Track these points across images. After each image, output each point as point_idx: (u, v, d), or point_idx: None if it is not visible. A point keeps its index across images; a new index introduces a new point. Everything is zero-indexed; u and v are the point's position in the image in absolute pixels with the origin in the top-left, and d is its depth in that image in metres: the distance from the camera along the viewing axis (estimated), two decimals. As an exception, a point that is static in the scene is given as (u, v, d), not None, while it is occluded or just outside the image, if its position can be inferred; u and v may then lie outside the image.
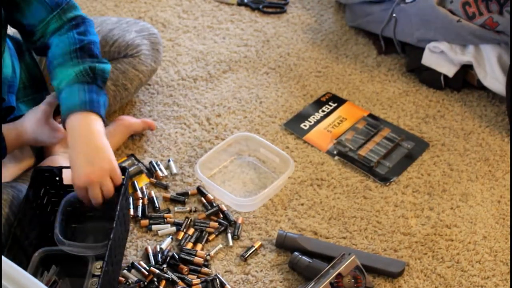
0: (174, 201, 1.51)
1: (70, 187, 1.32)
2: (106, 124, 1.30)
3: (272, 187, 1.49)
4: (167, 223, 1.45)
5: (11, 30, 1.34)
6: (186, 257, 1.37)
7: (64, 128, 1.25)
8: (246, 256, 1.39)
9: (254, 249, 1.40)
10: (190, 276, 1.35)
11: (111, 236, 1.20)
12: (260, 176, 1.58)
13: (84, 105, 1.24)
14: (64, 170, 1.32)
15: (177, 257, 1.37)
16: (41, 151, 1.51)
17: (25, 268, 1.16)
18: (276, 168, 1.59)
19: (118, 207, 1.23)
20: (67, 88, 1.27)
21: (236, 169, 1.60)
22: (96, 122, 1.24)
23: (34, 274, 1.19)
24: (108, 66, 1.33)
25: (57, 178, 1.33)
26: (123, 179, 1.30)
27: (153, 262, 1.37)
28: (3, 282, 0.97)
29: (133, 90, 1.66)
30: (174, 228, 1.44)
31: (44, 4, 1.32)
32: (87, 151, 1.22)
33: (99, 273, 1.20)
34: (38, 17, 1.33)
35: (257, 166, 1.60)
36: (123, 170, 1.30)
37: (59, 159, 1.46)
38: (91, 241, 1.30)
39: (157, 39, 1.71)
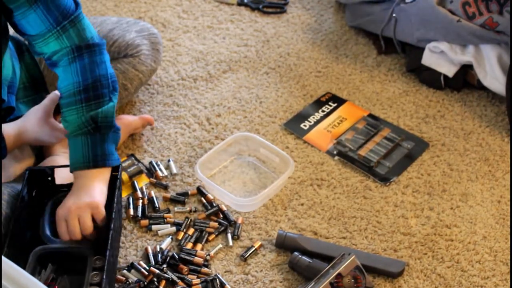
0: (174, 201, 1.51)
1: (62, 187, 1.34)
2: None
3: (272, 187, 1.49)
4: (167, 223, 1.45)
5: (11, 30, 1.33)
6: (186, 257, 1.37)
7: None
8: (246, 256, 1.39)
9: (254, 249, 1.40)
10: (190, 276, 1.35)
11: (111, 226, 1.23)
12: (260, 176, 1.58)
13: (88, 163, 1.29)
14: (56, 170, 1.33)
15: (177, 257, 1.37)
16: (41, 151, 1.52)
17: (23, 267, 1.16)
18: (276, 168, 1.59)
19: (115, 200, 1.28)
20: (73, 140, 1.30)
21: (236, 169, 1.60)
22: (98, 175, 1.29)
23: (32, 273, 1.19)
24: (111, 105, 1.32)
25: (49, 178, 1.34)
26: (116, 174, 1.32)
27: (153, 262, 1.37)
28: (3, 282, 0.97)
29: (133, 90, 1.66)
30: (174, 228, 1.44)
31: (42, 16, 1.27)
32: (79, 192, 1.28)
33: (99, 266, 1.21)
34: (36, 30, 1.29)
35: (257, 166, 1.60)
36: (117, 166, 1.33)
37: (59, 159, 1.46)
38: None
39: (157, 39, 1.70)
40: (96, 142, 1.30)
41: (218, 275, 1.35)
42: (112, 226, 1.24)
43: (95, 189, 1.28)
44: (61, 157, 1.47)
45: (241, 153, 1.63)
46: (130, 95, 1.67)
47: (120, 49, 1.61)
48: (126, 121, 1.62)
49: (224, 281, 1.34)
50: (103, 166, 1.29)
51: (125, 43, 1.62)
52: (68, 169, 1.33)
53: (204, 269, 1.36)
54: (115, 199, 1.28)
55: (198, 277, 1.35)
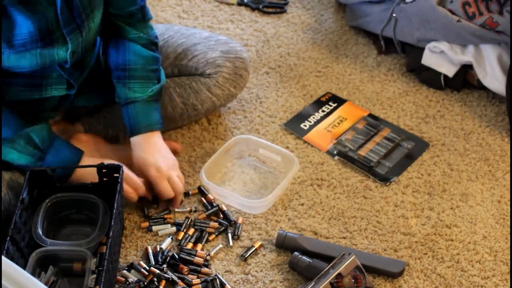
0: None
1: (62, 187, 1.33)
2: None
3: (280, 187, 1.49)
4: (167, 223, 1.45)
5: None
6: (186, 257, 1.37)
7: (131, 134, 1.46)
8: (246, 256, 1.39)
9: (254, 249, 1.40)
10: (190, 276, 1.35)
11: (110, 234, 1.21)
12: (264, 176, 1.58)
13: (158, 125, 1.46)
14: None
15: (177, 257, 1.37)
16: None
17: (23, 269, 1.16)
18: (278, 168, 1.59)
19: (115, 204, 1.26)
20: (145, 105, 1.45)
21: (239, 172, 1.59)
22: (160, 137, 1.47)
23: (32, 275, 1.19)
24: (164, 78, 1.51)
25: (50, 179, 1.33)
26: (118, 176, 1.31)
27: (153, 262, 1.37)
28: (3, 282, 0.97)
29: (204, 111, 1.61)
30: (174, 228, 1.44)
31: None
32: (159, 151, 1.45)
33: (97, 270, 1.21)
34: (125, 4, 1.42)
35: (260, 167, 1.60)
36: (118, 167, 1.32)
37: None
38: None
39: (244, 64, 1.62)
40: (158, 108, 1.48)
41: (218, 275, 1.35)
42: (112, 230, 1.22)
43: (167, 149, 1.47)
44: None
45: (242, 154, 1.62)
46: (199, 115, 1.63)
47: (198, 65, 1.57)
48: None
49: (224, 281, 1.34)
50: (161, 129, 1.47)
51: (205, 61, 1.57)
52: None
53: (204, 269, 1.36)
54: (115, 203, 1.26)
55: (198, 277, 1.35)
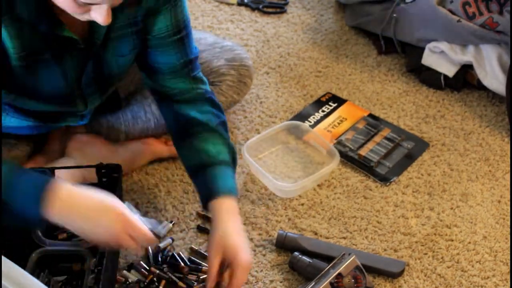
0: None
1: None
2: None
3: (313, 177, 1.51)
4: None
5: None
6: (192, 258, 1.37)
7: (206, 202, 1.24)
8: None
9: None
10: (190, 276, 1.34)
11: None
12: (305, 166, 1.60)
13: (235, 192, 1.25)
14: (56, 171, 1.33)
15: (177, 257, 1.37)
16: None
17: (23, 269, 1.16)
18: (321, 160, 1.61)
19: None
20: (222, 168, 1.26)
21: (280, 156, 1.63)
22: (236, 206, 1.25)
23: (32, 275, 1.19)
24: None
25: None
26: (117, 176, 1.31)
27: (152, 262, 1.37)
28: (3, 282, 0.97)
29: None
30: (170, 225, 1.44)
31: (176, 50, 1.29)
32: (238, 225, 1.22)
33: (97, 269, 1.21)
34: (168, 60, 1.30)
35: (303, 156, 1.62)
36: (118, 167, 1.32)
37: (72, 161, 1.46)
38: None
39: (248, 72, 1.61)
40: (234, 177, 1.29)
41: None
42: None
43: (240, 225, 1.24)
44: (73, 160, 1.46)
45: (289, 140, 1.65)
46: None
47: (203, 73, 1.53)
48: (153, 149, 1.55)
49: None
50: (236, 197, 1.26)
51: (209, 69, 1.56)
52: (67, 171, 1.33)
53: (205, 269, 1.36)
54: None
55: (198, 277, 1.34)
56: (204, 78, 1.37)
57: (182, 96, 1.33)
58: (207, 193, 1.25)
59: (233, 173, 1.29)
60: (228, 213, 1.22)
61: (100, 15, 1.03)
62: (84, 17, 1.05)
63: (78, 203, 1.04)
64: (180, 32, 1.28)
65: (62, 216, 1.03)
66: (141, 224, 1.10)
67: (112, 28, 1.15)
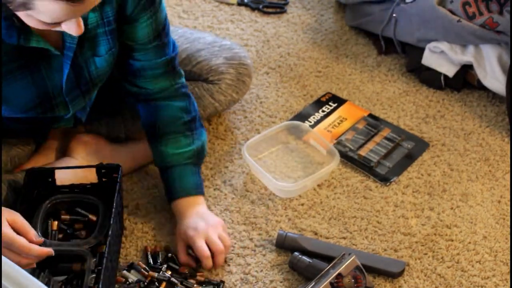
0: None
1: (62, 188, 1.33)
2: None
3: (313, 177, 1.51)
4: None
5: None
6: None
7: (169, 199, 1.41)
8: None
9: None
10: (190, 279, 1.34)
11: (109, 233, 1.22)
12: (305, 166, 1.60)
13: (196, 191, 1.40)
14: (57, 171, 1.33)
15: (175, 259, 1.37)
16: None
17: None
18: (321, 160, 1.60)
19: (114, 204, 1.26)
20: (180, 168, 1.40)
21: (280, 156, 1.62)
22: (201, 203, 1.40)
23: (32, 275, 1.19)
24: (205, 136, 1.45)
25: (50, 179, 1.33)
26: (117, 176, 1.31)
27: (151, 262, 1.36)
28: (3, 282, 0.97)
29: (206, 116, 1.60)
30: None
31: (157, 52, 1.34)
32: (202, 215, 1.38)
33: (97, 269, 1.21)
34: (150, 62, 1.35)
35: (303, 156, 1.62)
36: (117, 167, 1.32)
37: (74, 161, 1.46)
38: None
39: (247, 70, 1.61)
40: (199, 173, 1.42)
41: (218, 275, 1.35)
42: (111, 229, 1.23)
43: (209, 213, 1.40)
44: (76, 160, 1.46)
45: (289, 140, 1.66)
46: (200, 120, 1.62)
47: (201, 71, 1.56)
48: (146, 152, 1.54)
49: (224, 281, 1.34)
50: (202, 194, 1.42)
51: (208, 68, 1.56)
52: (68, 171, 1.33)
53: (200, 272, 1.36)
54: (115, 203, 1.26)
55: (196, 280, 1.34)
56: (181, 71, 1.43)
57: (161, 94, 1.39)
58: (168, 194, 1.41)
59: (196, 168, 1.41)
60: (184, 212, 1.38)
61: (71, 28, 1.04)
62: (56, 29, 1.06)
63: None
64: (160, 35, 1.32)
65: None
66: (22, 238, 1.11)
67: (85, 29, 1.13)
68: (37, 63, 1.19)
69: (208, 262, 1.32)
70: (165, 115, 1.40)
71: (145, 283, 1.32)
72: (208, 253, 1.32)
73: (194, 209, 1.38)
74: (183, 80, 1.43)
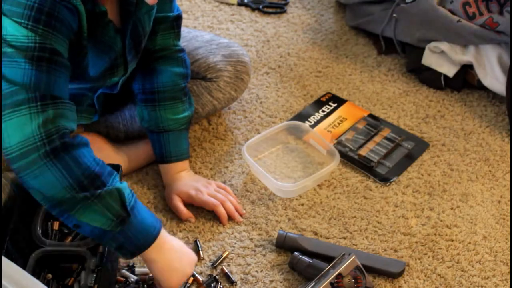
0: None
1: None
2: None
3: (313, 177, 1.51)
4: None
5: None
6: None
7: (161, 162, 1.49)
8: (216, 264, 1.37)
9: (223, 258, 1.38)
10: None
11: None
12: (305, 166, 1.60)
13: (187, 155, 1.50)
14: None
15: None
16: None
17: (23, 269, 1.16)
18: (321, 160, 1.61)
19: None
20: (176, 134, 1.46)
21: (281, 156, 1.62)
22: (188, 166, 1.51)
23: (32, 275, 1.19)
24: (193, 100, 1.53)
25: None
26: (116, 176, 1.31)
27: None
28: (3, 282, 0.97)
29: (204, 114, 1.61)
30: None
31: (170, 6, 1.42)
32: (193, 177, 1.50)
33: (97, 269, 1.21)
34: (164, 16, 1.41)
35: (303, 156, 1.62)
36: (117, 167, 1.31)
37: None
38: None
39: (245, 68, 1.61)
40: (187, 137, 1.50)
41: (217, 277, 1.35)
42: None
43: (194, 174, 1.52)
44: None
45: (289, 140, 1.66)
46: (199, 118, 1.62)
47: (199, 69, 1.56)
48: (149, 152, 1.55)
49: (224, 281, 1.34)
50: (188, 157, 1.52)
51: (206, 65, 1.57)
52: None
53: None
54: None
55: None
56: (180, 34, 1.49)
57: (163, 52, 1.44)
58: (162, 157, 1.47)
59: (187, 132, 1.49)
60: (178, 174, 1.48)
61: None
62: None
63: (167, 248, 1.20)
64: None
65: (151, 257, 1.19)
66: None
67: None
68: (104, 27, 1.24)
69: (221, 209, 1.44)
70: (164, 81, 1.44)
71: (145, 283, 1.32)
72: (217, 202, 1.44)
73: (188, 172, 1.49)
74: (180, 44, 1.49)
